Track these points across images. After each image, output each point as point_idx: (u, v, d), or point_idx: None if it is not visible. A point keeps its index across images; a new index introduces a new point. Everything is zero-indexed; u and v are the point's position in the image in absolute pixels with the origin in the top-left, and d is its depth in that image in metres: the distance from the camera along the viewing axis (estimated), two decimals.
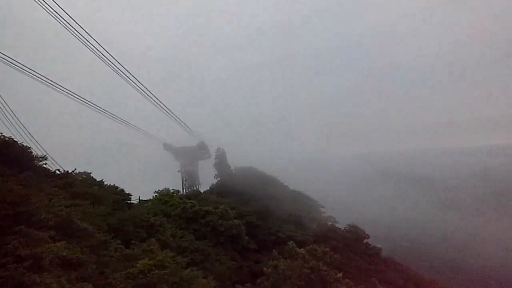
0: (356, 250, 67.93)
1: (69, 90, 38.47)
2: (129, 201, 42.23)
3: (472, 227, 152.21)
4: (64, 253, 14.47)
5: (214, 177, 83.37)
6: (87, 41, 35.48)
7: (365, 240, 75.49)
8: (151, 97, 49.19)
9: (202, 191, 77.20)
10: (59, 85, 37.07)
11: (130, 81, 43.00)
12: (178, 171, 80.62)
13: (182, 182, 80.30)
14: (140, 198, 50.70)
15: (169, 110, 57.89)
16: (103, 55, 37.70)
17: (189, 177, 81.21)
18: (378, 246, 78.68)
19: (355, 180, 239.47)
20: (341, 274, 19.28)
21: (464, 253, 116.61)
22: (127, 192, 42.89)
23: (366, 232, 77.13)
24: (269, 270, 19.77)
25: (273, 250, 21.04)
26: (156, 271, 16.21)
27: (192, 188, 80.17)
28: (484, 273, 77.37)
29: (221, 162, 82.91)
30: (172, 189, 60.75)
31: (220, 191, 72.40)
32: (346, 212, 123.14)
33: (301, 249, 20.74)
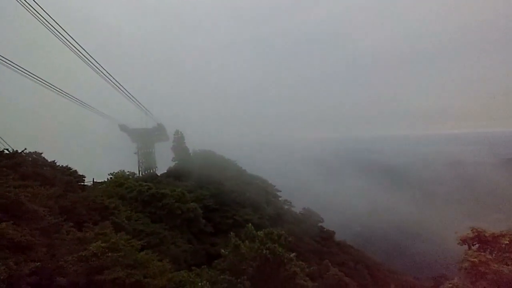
0: (310, 233, 69.94)
1: (18, 66, 36.16)
2: (82, 183, 40.96)
3: (425, 214, 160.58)
4: (11, 235, 13.92)
5: (172, 160, 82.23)
6: (37, 12, 33.25)
7: (319, 224, 77.83)
8: (105, 75, 47.23)
9: (159, 174, 76.07)
10: (7, 59, 34.74)
11: (83, 56, 40.95)
12: (135, 153, 78.71)
13: (138, 165, 78.57)
14: (94, 180, 49.25)
15: (126, 90, 56.00)
16: (54, 28, 35.53)
17: (146, 160, 79.53)
18: (332, 230, 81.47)
19: (318, 165, 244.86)
20: (294, 255, 19.78)
21: (415, 239, 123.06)
22: (81, 174, 41.54)
23: (321, 216, 79.46)
24: (227, 252, 19.95)
25: (231, 233, 21.16)
26: (110, 254, 15.95)
27: (148, 171, 78.70)
28: (430, 257, 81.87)
29: (179, 145, 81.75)
30: (128, 172, 59.49)
31: (177, 175, 71.70)
32: (305, 196, 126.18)
33: (259, 231, 21.07)
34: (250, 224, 22.22)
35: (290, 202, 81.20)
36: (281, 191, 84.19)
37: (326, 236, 74.37)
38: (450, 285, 10.04)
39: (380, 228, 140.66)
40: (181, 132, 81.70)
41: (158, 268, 17.89)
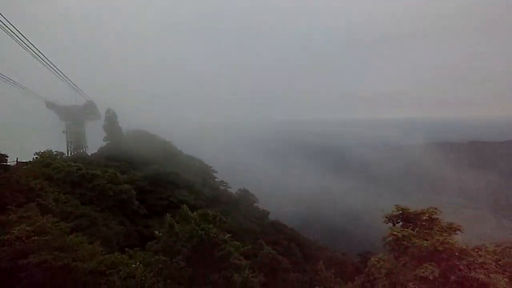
0: (246, 213, 71.28)
1: None
2: (5, 163, 38.16)
3: (362, 194, 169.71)
4: None
5: (103, 140, 78.90)
6: None
7: (254, 204, 79.44)
8: (30, 49, 43.76)
9: (89, 154, 72.88)
10: None
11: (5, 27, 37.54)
12: (63, 132, 74.41)
13: (67, 144, 74.49)
14: (18, 160, 46.07)
15: (53, 65, 52.34)
16: None
17: (75, 139, 75.58)
18: (267, 209, 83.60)
19: (260, 146, 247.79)
20: (229, 235, 20.11)
21: (349, 218, 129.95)
22: (3, 153, 38.65)
23: (257, 197, 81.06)
24: (161, 233, 19.85)
25: (166, 214, 21.05)
26: (36, 237, 15.25)
27: (78, 150, 75.01)
28: (360, 235, 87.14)
29: (111, 124, 78.34)
30: (56, 152, 56.29)
31: (109, 155, 69.08)
32: (244, 177, 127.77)
33: (194, 212, 21.12)
34: (185, 205, 22.17)
35: (227, 183, 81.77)
36: (217, 172, 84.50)
37: (261, 216, 76.21)
38: (376, 259, 10.83)
39: (317, 208, 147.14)
40: (113, 110, 78.34)
41: (88, 251, 17.40)
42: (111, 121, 78.51)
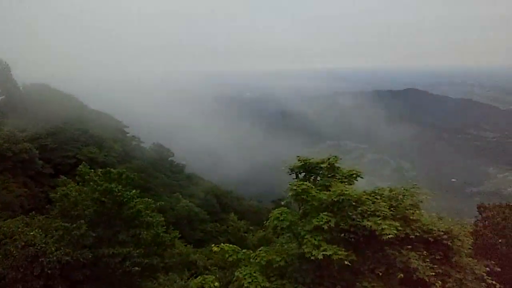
0: (161, 168, 70.33)
1: None
2: None
3: (278, 144, 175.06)
4: None
5: None
6: None
7: (170, 158, 78.44)
8: None
9: None
10: None
11: None
12: None
13: None
14: None
15: None
16: None
17: None
18: (183, 163, 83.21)
19: (174, 98, 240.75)
20: (136, 192, 19.46)
21: (264, 168, 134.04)
22: None
23: (172, 151, 79.97)
24: (57, 196, 18.72)
25: (60, 176, 19.82)
26: None
27: None
28: (275, 184, 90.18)
29: (3, 77, 69.70)
30: None
31: (4, 111, 62.43)
32: (157, 131, 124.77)
33: (93, 171, 20.11)
34: (83, 164, 21.03)
35: (139, 138, 79.13)
36: (128, 127, 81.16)
37: (176, 170, 75.76)
38: (278, 212, 11.08)
39: (233, 158, 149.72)
40: (6, 62, 69.62)
41: None
42: (3, 74, 69.79)
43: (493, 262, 10.36)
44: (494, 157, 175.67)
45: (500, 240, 13.98)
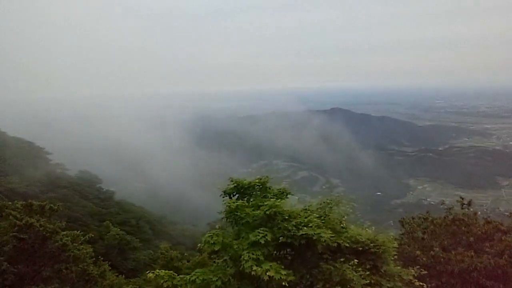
0: (88, 196, 66.82)
1: None
2: None
3: (210, 164, 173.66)
4: None
5: None
6: None
7: (97, 185, 74.78)
8: None
9: None
10: None
11: None
12: None
13: None
14: None
15: None
16: None
17: None
18: (112, 189, 79.63)
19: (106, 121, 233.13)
20: (61, 224, 18.33)
21: (198, 189, 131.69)
22: None
23: (100, 177, 76.55)
24: None
25: None
26: None
27: None
28: (208, 206, 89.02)
29: None
30: None
31: None
32: (84, 155, 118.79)
33: (14, 203, 18.64)
34: (0, 196, 19.48)
35: (64, 165, 74.89)
36: (52, 154, 76.66)
37: (105, 197, 72.24)
38: (209, 235, 10.92)
39: (164, 179, 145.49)
40: None
41: None
42: None
43: (418, 267, 10.88)
44: (413, 170, 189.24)
45: (418, 252, 15.00)
